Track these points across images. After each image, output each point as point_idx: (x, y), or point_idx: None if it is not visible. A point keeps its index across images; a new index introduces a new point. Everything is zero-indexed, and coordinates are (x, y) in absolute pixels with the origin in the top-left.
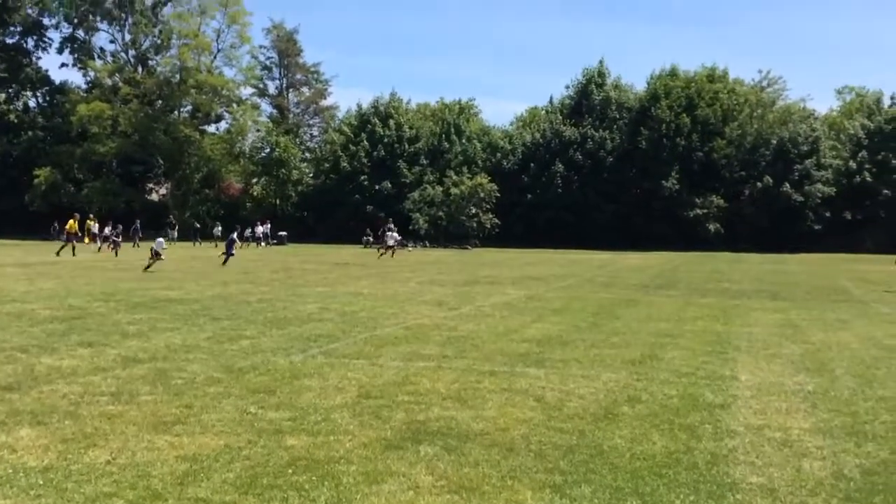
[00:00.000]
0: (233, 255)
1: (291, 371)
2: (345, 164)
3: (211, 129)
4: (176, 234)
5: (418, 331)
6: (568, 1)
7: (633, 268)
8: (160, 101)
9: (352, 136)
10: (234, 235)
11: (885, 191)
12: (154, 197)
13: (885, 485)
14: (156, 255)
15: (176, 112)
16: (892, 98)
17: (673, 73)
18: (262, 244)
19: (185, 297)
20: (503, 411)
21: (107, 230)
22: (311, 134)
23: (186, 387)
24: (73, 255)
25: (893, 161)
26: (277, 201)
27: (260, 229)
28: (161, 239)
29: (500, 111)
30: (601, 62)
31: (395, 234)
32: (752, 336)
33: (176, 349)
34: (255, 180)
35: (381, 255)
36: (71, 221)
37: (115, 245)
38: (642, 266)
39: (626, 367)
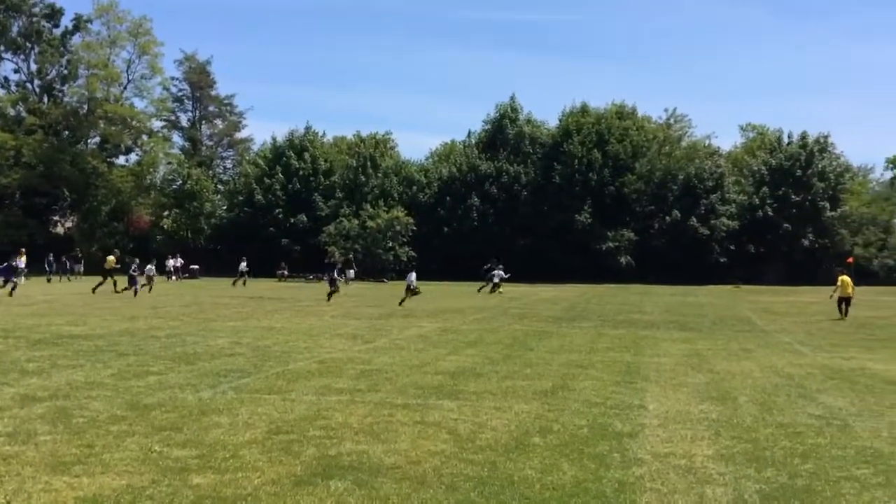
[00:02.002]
0: (136, 287)
1: (200, 407)
2: (259, 197)
3: (121, 160)
4: (82, 267)
5: (332, 364)
6: (479, 35)
7: (547, 300)
8: (67, 132)
9: (266, 168)
10: (133, 269)
11: (786, 225)
12: (59, 230)
13: None
14: (149, 280)
15: (83, 143)
16: (789, 136)
17: (584, 110)
18: (174, 278)
19: (90, 332)
20: (415, 444)
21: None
22: (224, 166)
23: (88, 425)
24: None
25: (793, 197)
26: (189, 234)
27: (171, 263)
28: (150, 266)
29: (416, 145)
30: (513, 97)
31: (501, 272)
32: (661, 366)
33: (78, 386)
34: (166, 213)
35: (481, 289)
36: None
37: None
38: (556, 298)
39: (538, 398)
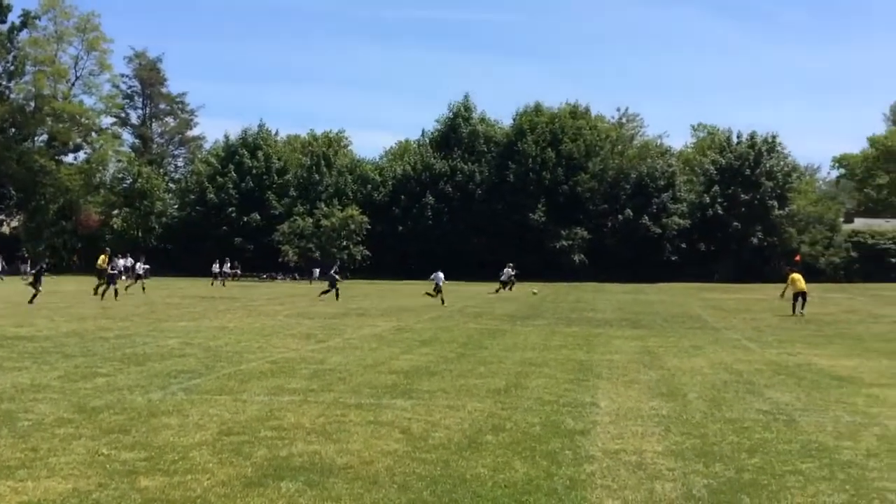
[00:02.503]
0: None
1: (149, 409)
2: (212, 196)
3: (69, 158)
4: (29, 267)
5: (285, 364)
6: (436, 35)
7: (502, 298)
8: (13, 130)
9: (219, 167)
10: (33, 268)
11: (735, 223)
12: (5, 229)
13: (730, 503)
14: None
15: (30, 141)
16: (738, 136)
17: (537, 109)
18: (124, 278)
19: (36, 334)
20: (368, 444)
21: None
22: (175, 165)
23: (33, 428)
24: None
25: (742, 196)
26: (140, 233)
27: (121, 262)
28: (140, 263)
29: (370, 144)
30: (466, 96)
31: (510, 270)
32: (613, 363)
33: (24, 389)
34: (115, 212)
35: (497, 291)
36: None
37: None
38: (511, 297)
39: (491, 396)
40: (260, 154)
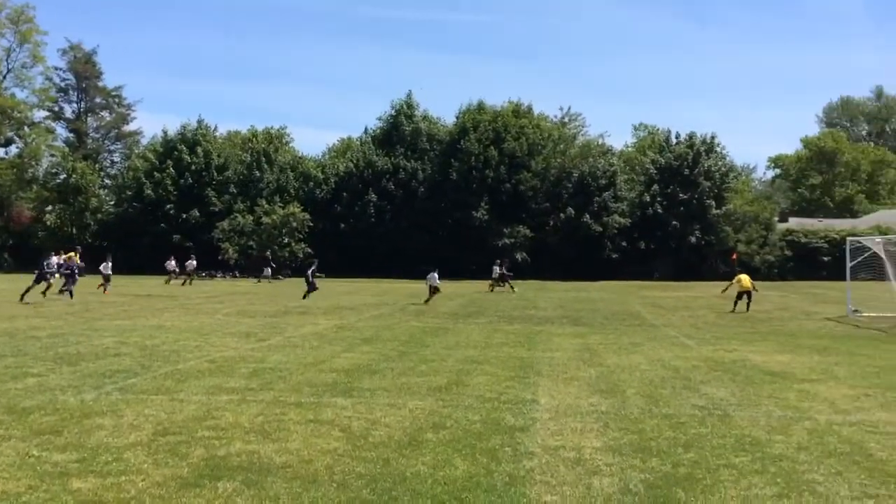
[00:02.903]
0: None
1: (82, 410)
2: (149, 192)
3: (0, 153)
4: None
5: (223, 363)
6: (377, 32)
7: (444, 296)
8: None
9: (157, 162)
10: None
11: (674, 222)
12: None
13: (666, 497)
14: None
15: None
16: (677, 136)
17: (480, 108)
18: (57, 276)
19: None
20: (308, 443)
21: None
22: (112, 160)
23: None
24: None
25: (681, 195)
26: (74, 230)
27: (55, 260)
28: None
29: (312, 140)
30: (409, 94)
31: (497, 269)
32: (553, 360)
33: None
34: (48, 208)
35: (492, 289)
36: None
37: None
38: (453, 294)
39: (432, 394)
40: (199, 150)
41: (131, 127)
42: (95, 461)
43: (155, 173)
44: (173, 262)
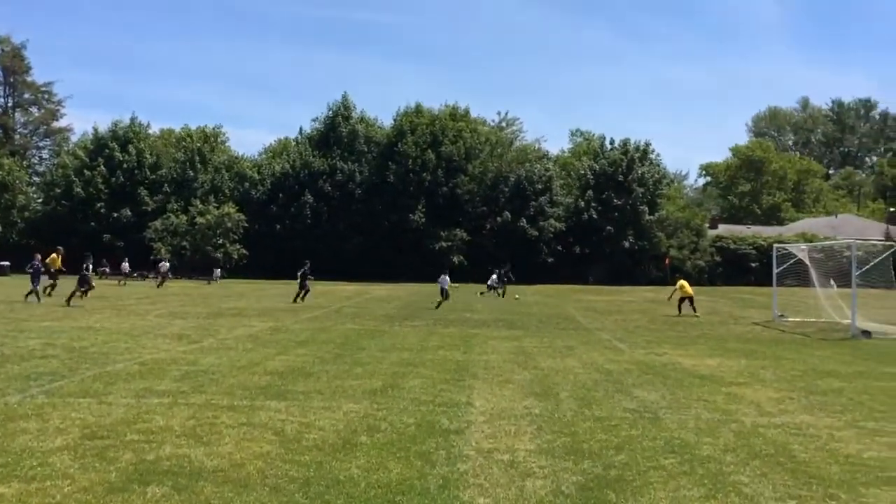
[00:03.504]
0: None
1: (6, 413)
2: (79, 190)
3: None
4: None
5: (154, 366)
6: (313, 33)
7: (381, 299)
8: None
9: (87, 160)
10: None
11: (609, 227)
12: None
13: (598, 498)
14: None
15: None
16: (612, 143)
17: (418, 110)
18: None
19: None
20: (240, 446)
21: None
22: (40, 157)
23: None
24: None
25: (615, 200)
26: (0, 228)
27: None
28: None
29: (248, 141)
30: (345, 95)
31: (495, 277)
32: (489, 363)
33: None
34: None
35: (482, 294)
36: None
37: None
38: (389, 297)
39: (367, 397)
40: (131, 148)
41: (61, 123)
42: (20, 466)
43: (85, 171)
44: (167, 265)
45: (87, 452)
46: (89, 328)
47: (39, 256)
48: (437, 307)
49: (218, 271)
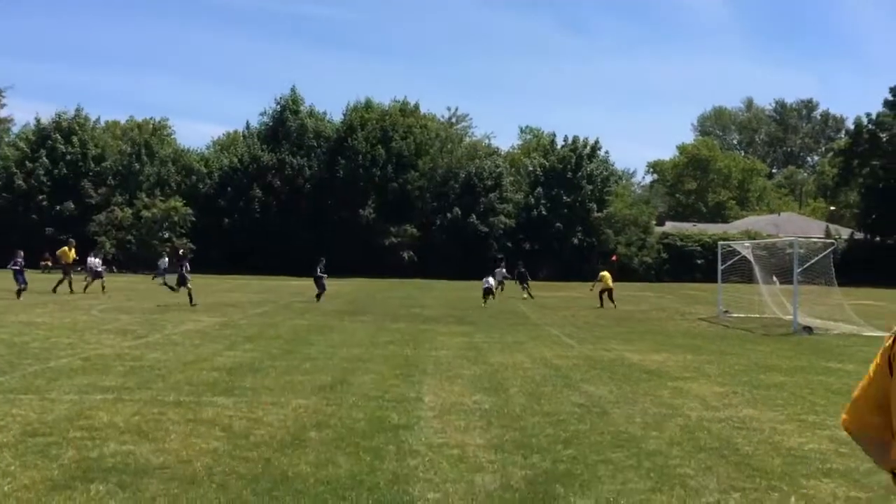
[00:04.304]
0: None
1: None
2: (20, 182)
3: None
4: None
5: (98, 361)
6: (260, 24)
7: (330, 294)
8: None
9: (29, 151)
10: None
11: (558, 224)
12: None
13: (546, 492)
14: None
15: None
16: (564, 140)
17: (368, 106)
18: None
19: None
20: (187, 443)
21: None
22: None
23: None
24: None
25: (564, 197)
26: None
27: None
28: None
29: (195, 134)
30: (293, 89)
31: (503, 271)
32: (438, 359)
33: None
34: None
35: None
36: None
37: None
38: (338, 293)
39: (316, 392)
40: (75, 139)
41: (1, 114)
42: None
43: (26, 162)
44: (165, 261)
45: (29, 450)
46: (30, 323)
47: (22, 252)
48: (489, 299)
49: (187, 265)
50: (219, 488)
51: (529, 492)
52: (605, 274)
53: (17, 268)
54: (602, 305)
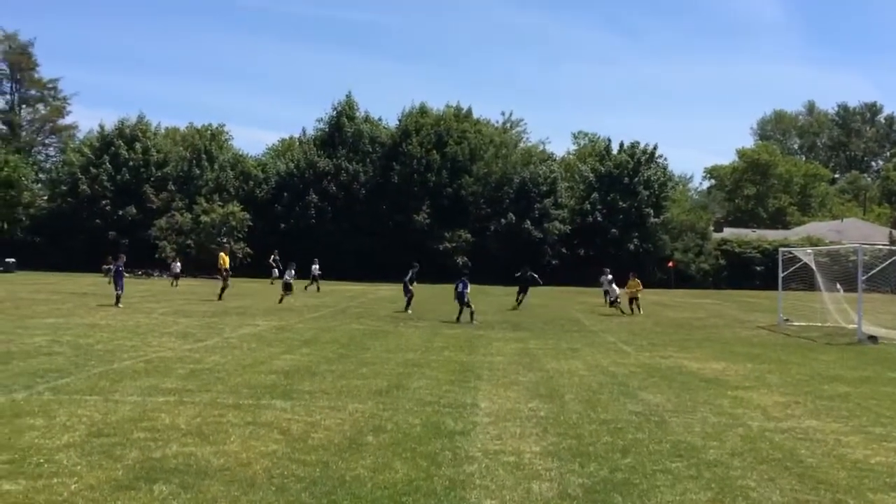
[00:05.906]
0: None
1: (12, 409)
2: (84, 187)
3: None
4: None
5: (160, 364)
6: (318, 34)
7: (385, 299)
8: None
9: (93, 157)
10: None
11: (614, 230)
12: None
13: (604, 501)
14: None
15: None
16: (621, 146)
17: (423, 111)
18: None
19: None
20: (246, 445)
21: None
22: (46, 154)
23: None
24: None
25: (621, 203)
26: (5, 225)
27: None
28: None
29: (253, 140)
30: (349, 95)
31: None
32: (493, 365)
33: None
34: None
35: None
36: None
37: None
38: (393, 297)
39: (372, 397)
40: (137, 146)
41: (67, 121)
42: (26, 463)
43: (91, 168)
44: (178, 265)
45: (94, 450)
46: (94, 325)
47: (124, 257)
48: (621, 311)
49: (276, 271)
50: (277, 491)
51: (587, 500)
52: (634, 282)
53: (116, 272)
54: (632, 312)
